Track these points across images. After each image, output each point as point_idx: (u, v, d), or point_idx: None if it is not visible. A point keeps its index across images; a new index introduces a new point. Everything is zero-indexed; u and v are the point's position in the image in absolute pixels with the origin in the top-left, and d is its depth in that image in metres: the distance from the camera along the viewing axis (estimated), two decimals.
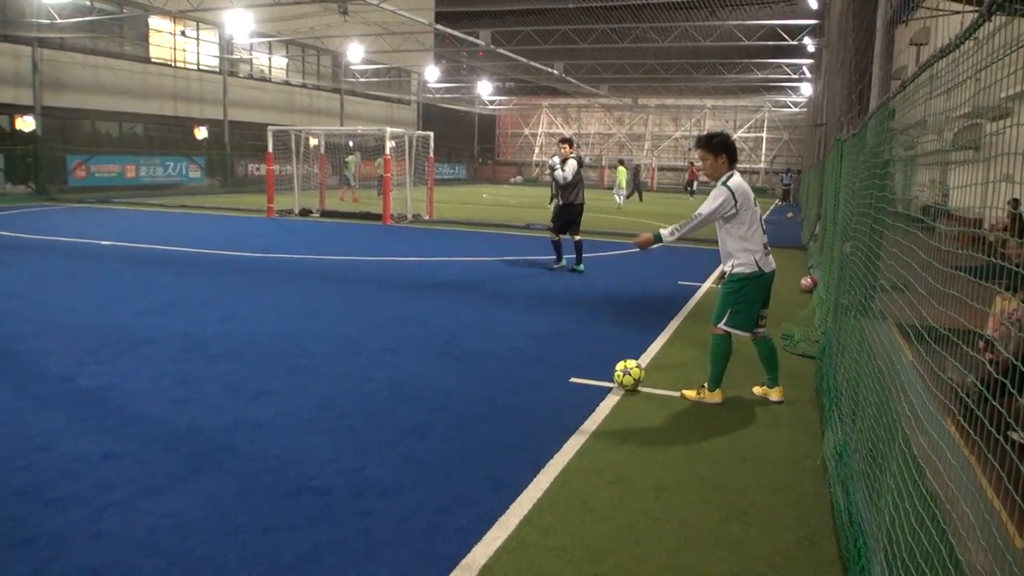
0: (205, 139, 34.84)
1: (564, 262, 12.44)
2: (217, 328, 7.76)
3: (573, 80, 43.65)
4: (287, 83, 41.10)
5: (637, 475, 4.46)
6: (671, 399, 5.91)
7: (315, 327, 7.95)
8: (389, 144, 20.08)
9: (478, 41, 32.97)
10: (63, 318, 8.05)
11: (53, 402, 5.43)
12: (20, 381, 5.89)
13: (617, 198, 30.79)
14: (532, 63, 37.32)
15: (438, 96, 53.15)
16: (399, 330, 7.92)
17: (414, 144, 21.58)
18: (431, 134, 22.08)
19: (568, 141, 12.06)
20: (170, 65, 33.64)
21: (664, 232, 5.87)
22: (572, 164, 11.78)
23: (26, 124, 27.17)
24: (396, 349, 7.13)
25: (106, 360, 6.50)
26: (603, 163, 53.67)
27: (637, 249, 6.84)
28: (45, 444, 4.64)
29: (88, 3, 28.97)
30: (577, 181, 11.94)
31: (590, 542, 3.68)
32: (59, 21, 26.91)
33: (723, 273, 5.88)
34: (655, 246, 6.01)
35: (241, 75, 37.45)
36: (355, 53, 35.99)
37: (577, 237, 12.21)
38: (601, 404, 5.69)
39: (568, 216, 12.08)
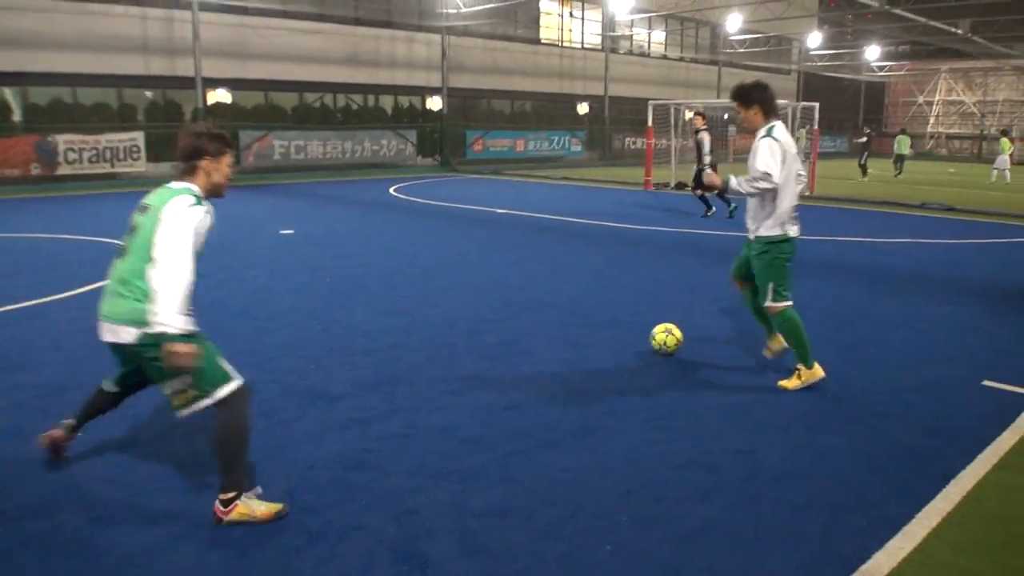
0: (586, 114, 36.58)
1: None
2: (602, 297, 8.14)
3: (980, 40, 38.08)
4: (665, 57, 41.44)
5: None
6: None
7: (703, 302, 7.99)
8: None
9: (870, 1, 30.17)
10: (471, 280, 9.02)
11: (462, 352, 6.10)
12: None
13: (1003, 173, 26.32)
14: (932, 23, 33.24)
15: (820, 64, 49.83)
16: None
17: (796, 116, 20.53)
18: (816, 105, 20.81)
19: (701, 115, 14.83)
20: (557, 45, 35.68)
21: None
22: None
23: (434, 104, 30.74)
24: None
25: (506, 319, 7.16)
26: (1013, 134, 46.25)
27: None
28: (456, 390, 5.24)
29: None
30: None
31: (1017, 572, 3.24)
32: (464, 10, 29.83)
33: None
34: None
35: (621, 51, 38.49)
36: (734, 23, 35.12)
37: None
38: None
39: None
